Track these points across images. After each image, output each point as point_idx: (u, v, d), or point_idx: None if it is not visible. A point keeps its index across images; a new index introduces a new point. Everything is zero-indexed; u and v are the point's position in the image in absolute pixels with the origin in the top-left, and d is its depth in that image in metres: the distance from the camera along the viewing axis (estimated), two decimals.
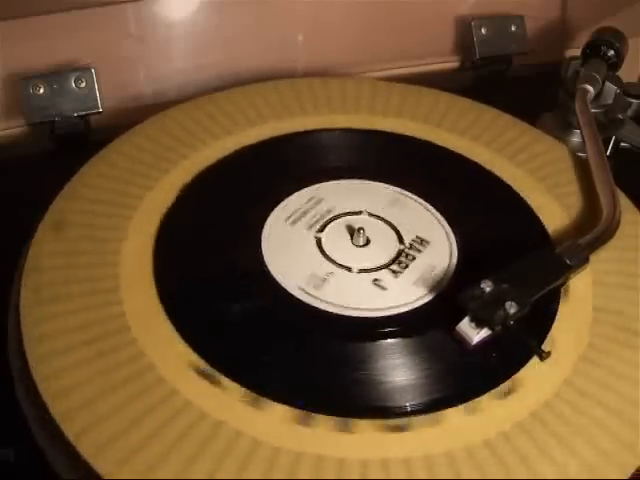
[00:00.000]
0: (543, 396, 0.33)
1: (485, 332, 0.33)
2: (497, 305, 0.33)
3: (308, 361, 0.34)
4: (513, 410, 0.32)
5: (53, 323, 0.33)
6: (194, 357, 0.33)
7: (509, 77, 0.63)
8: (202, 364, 0.32)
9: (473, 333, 0.34)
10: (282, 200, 0.41)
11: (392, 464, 0.30)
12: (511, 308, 0.33)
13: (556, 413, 0.32)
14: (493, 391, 0.33)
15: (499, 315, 0.33)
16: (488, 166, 0.45)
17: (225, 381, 0.32)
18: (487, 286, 0.34)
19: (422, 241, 0.40)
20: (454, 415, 0.32)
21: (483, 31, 0.61)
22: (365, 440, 0.31)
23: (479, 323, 0.34)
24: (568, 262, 0.36)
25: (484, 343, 0.34)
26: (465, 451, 0.31)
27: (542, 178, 0.45)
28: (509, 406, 0.32)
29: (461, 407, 0.32)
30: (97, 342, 0.33)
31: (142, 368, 0.32)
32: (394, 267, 0.38)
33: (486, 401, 0.32)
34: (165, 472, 0.29)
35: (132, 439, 0.30)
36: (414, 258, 0.39)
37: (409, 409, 0.32)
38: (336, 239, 0.39)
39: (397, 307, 0.36)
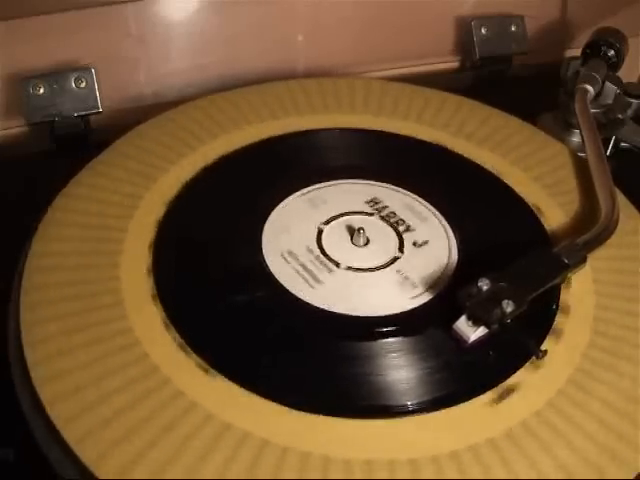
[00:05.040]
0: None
1: (482, 330, 0.33)
2: (494, 303, 0.33)
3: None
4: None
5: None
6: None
7: (509, 77, 0.63)
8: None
9: (470, 331, 0.34)
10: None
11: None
12: (508, 307, 0.33)
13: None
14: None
15: (496, 313, 0.33)
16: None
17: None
18: (484, 284, 0.34)
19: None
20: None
21: (483, 31, 0.61)
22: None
23: (476, 321, 0.34)
24: (566, 261, 0.36)
25: (481, 341, 0.34)
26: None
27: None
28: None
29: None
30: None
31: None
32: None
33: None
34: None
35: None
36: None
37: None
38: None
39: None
